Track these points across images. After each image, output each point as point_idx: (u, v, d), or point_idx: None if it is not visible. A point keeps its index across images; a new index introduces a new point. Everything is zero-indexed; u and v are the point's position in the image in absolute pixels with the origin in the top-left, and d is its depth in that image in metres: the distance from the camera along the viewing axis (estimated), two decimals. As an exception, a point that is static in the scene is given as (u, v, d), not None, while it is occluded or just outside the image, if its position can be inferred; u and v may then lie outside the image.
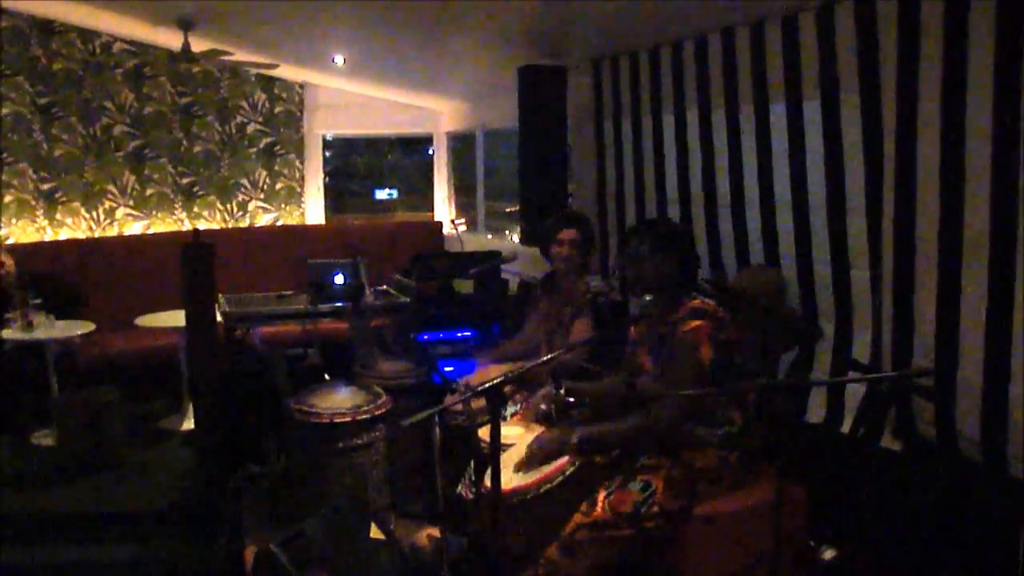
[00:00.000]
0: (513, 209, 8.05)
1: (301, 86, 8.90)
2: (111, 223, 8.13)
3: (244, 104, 8.67)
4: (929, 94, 3.43)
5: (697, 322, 3.27)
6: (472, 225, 8.96)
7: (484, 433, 3.51)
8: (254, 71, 8.47)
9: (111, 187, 8.10)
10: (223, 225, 8.71)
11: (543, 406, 3.96)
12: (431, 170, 9.76)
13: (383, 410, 4.11)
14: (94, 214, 8.04)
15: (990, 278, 3.28)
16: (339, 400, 4.14)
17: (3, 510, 4.17)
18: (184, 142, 8.43)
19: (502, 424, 3.16)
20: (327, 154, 9.45)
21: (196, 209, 8.57)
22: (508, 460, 3.37)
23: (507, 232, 8.58)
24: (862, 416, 4.04)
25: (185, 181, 8.49)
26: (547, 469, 3.24)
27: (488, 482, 2.78)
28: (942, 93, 3.37)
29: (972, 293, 3.37)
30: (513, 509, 3.14)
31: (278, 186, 8.97)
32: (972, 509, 3.36)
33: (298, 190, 9.08)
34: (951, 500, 3.44)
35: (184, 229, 8.36)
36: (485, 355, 4.79)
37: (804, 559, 3.22)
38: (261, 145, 8.82)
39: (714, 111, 4.86)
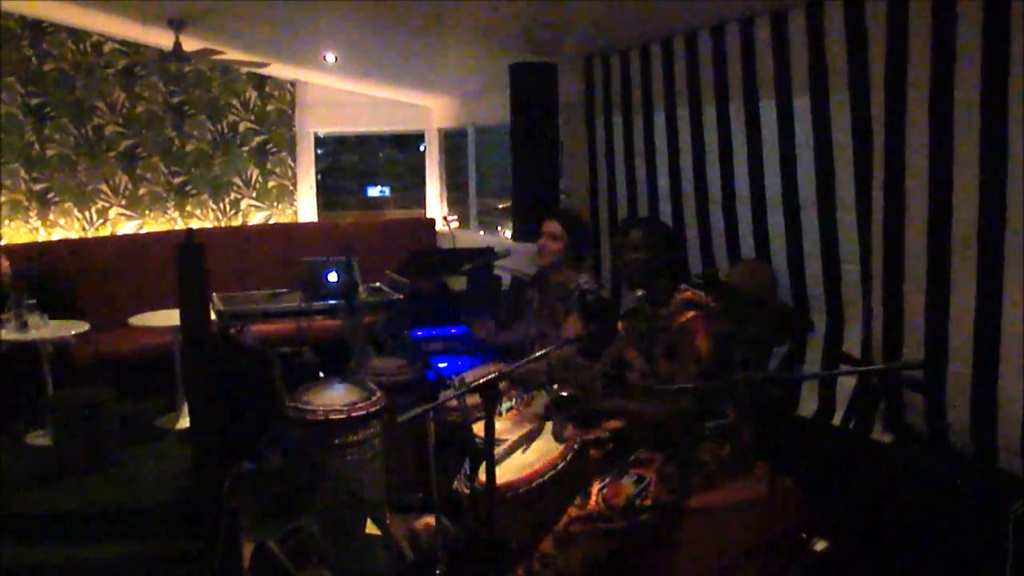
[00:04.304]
0: (505, 205, 8.06)
1: (292, 84, 8.91)
2: (104, 223, 8.14)
3: (236, 103, 8.67)
4: (917, 91, 3.46)
5: (691, 313, 3.29)
6: (464, 222, 8.98)
7: (479, 429, 3.53)
8: (245, 70, 8.48)
9: (104, 187, 8.10)
10: (216, 224, 8.71)
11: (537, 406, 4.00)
12: (423, 167, 9.77)
13: (378, 407, 4.13)
14: (87, 214, 8.05)
15: (978, 271, 3.31)
16: (334, 397, 4.15)
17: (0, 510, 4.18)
18: (176, 141, 8.43)
19: (496, 420, 3.18)
20: (319, 152, 9.45)
21: (188, 208, 8.57)
22: (502, 455, 3.40)
23: (499, 228, 8.60)
24: (853, 409, 4.08)
25: (177, 180, 8.49)
26: (540, 463, 3.26)
27: (483, 477, 2.80)
28: (930, 90, 3.40)
29: (961, 286, 3.40)
30: (508, 503, 3.17)
31: (270, 184, 8.98)
32: (961, 500, 3.39)
33: (290, 188, 9.09)
34: (941, 491, 3.47)
35: (177, 228, 8.38)
36: (485, 330, 4.81)
37: (796, 551, 3.25)
38: (253, 143, 8.82)
39: (704, 108, 4.88)
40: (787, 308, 4.44)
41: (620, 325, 3.71)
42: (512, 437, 3.63)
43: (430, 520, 3.76)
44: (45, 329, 6.00)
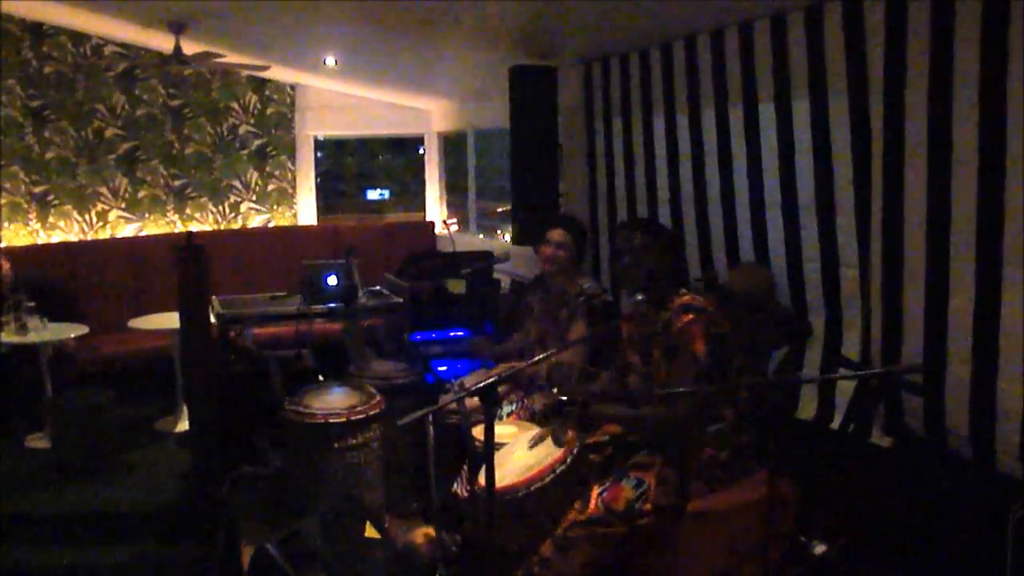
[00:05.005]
0: (505, 209, 8.07)
1: (292, 87, 8.92)
2: (103, 226, 8.14)
3: (235, 106, 8.68)
4: (916, 94, 3.46)
5: (689, 316, 3.29)
6: (464, 225, 8.98)
7: (478, 432, 3.53)
8: (245, 73, 8.48)
9: (103, 190, 8.11)
10: (215, 227, 8.72)
11: (538, 406, 4.00)
12: (422, 170, 9.78)
13: (377, 410, 4.12)
14: (86, 217, 8.05)
15: (977, 274, 3.31)
16: (333, 400, 4.14)
17: (-1, 512, 4.18)
18: (176, 144, 8.44)
19: (496, 423, 3.18)
20: (318, 155, 9.45)
21: (188, 211, 8.58)
22: (502, 459, 3.40)
23: (499, 232, 8.60)
24: (852, 412, 4.08)
25: (177, 183, 8.50)
26: (540, 467, 3.26)
27: (483, 481, 2.80)
28: (929, 93, 3.40)
29: (960, 289, 3.40)
30: (507, 507, 3.17)
31: (270, 187, 8.98)
32: (960, 503, 3.39)
33: (290, 191, 9.10)
34: (940, 495, 3.47)
35: (176, 231, 8.38)
36: (480, 349, 4.83)
37: (795, 554, 3.25)
38: (253, 147, 8.83)
39: (704, 111, 4.89)
40: (786, 311, 4.44)
41: (623, 328, 3.71)
42: (512, 441, 3.63)
43: (429, 531, 3.76)
44: (44, 332, 6.01)
